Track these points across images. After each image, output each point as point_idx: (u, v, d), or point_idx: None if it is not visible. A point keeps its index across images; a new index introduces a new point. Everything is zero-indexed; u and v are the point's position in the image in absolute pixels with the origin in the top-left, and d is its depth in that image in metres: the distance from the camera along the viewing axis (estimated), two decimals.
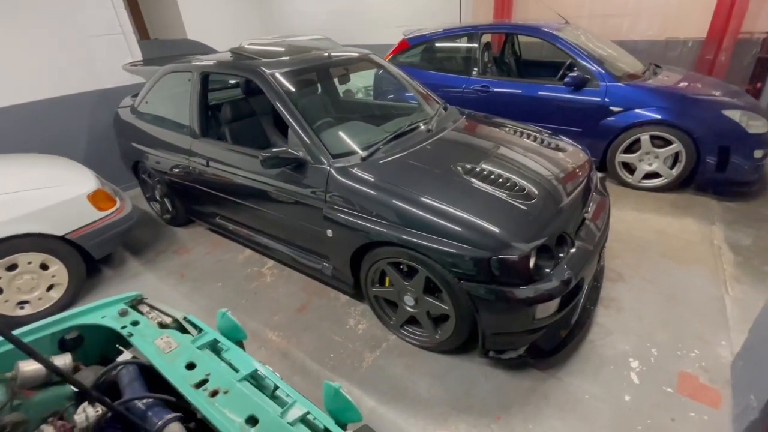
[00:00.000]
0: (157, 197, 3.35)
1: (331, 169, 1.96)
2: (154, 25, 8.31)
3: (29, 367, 1.17)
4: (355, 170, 1.94)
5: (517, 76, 4.68)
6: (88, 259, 2.58)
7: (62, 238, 2.40)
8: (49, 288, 2.44)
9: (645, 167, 3.38)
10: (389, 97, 3.67)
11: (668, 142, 3.21)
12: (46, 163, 2.85)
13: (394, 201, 1.77)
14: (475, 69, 4.05)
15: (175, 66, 2.82)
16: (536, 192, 1.81)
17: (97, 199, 2.57)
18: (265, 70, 2.26)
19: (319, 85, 2.76)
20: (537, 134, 2.45)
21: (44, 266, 2.39)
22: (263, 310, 2.38)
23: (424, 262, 1.71)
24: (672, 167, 3.29)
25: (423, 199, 1.74)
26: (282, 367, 1.98)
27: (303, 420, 1.01)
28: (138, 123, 3.14)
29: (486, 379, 1.83)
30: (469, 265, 1.58)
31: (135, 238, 3.27)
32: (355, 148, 2.10)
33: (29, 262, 2.32)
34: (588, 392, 1.73)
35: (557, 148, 2.30)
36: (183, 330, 1.38)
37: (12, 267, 2.27)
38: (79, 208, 2.47)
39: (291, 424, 0.98)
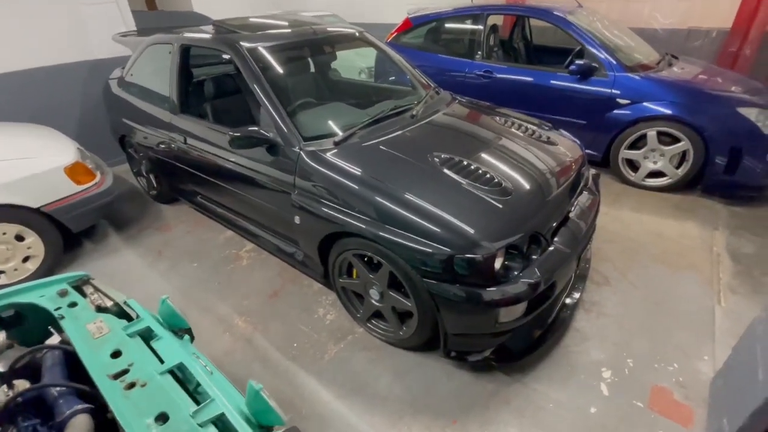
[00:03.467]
0: (144, 172, 3.31)
1: (301, 153, 1.87)
2: None
3: None
4: (326, 155, 1.84)
5: (526, 62, 4.46)
6: (66, 231, 2.57)
7: (37, 210, 2.38)
8: (26, 259, 2.44)
9: (649, 165, 3.20)
10: (380, 78, 3.50)
11: (676, 140, 3.01)
12: (28, 133, 2.81)
13: (361, 189, 1.68)
14: (479, 53, 3.85)
15: (158, 37, 2.72)
16: (514, 188, 1.69)
17: (75, 172, 2.53)
18: (243, 44, 2.15)
19: (304, 63, 2.63)
20: (529, 125, 2.31)
21: (20, 237, 2.38)
22: (235, 294, 2.33)
23: (387, 256, 1.62)
24: (678, 167, 3.11)
25: (389, 190, 1.64)
26: (244, 354, 1.94)
27: (217, 421, 0.95)
28: (123, 96, 3.07)
29: (448, 379, 1.76)
30: (431, 262, 1.49)
31: (120, 212, 3.26)
32: (329, 131, 1.99)
33: (3, 233, 2.31)
34: (553, 400, 1.65)
35: (548, 141, 2.16)
36: (122, 314, 1.33)
37: None
38: (56, 181, 2.44)
39: (201, 425, 0.92)
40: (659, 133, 3.05)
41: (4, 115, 3.32)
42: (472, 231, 1.48)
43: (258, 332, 2.06)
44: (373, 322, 1.95)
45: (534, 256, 1.58)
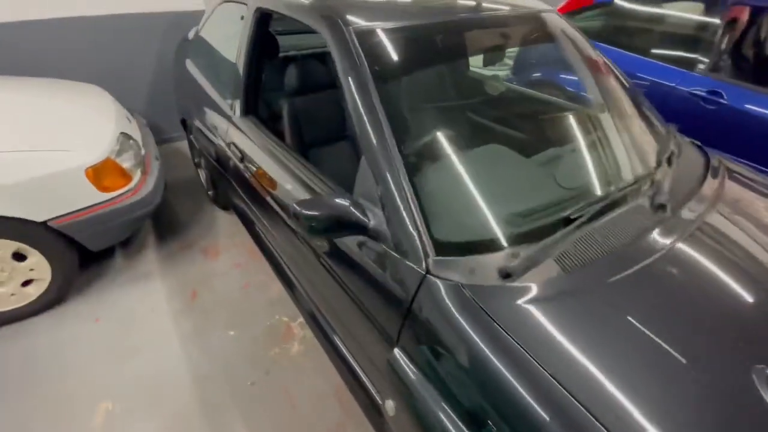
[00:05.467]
0: (203, 165, 2.60)
1: (430, 278, 0.87)
2: None
3: None
4: (485, 303, 0.81)
5: (753, 81, 2.88)
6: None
7: (43, 224, 1.73)
8: (27, 283, 1.84)
9: None
10: (523, 77, 2.22)
11: None
12: (63, 104, 2.15)
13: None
14: (705, 60, 2.43)
15: None
16: None
17: (102, 173, 1.83)
18: (350, 19, 1.16)
19: (452, 66, 1.50)
20: None
21: (20, 256, 1.77)
22: (268, 416, 1.50)
23: None
24: None
25: None
26: None
27: None
28: (188, 66, 2.31)
29: None
30: None
31: (171, 209, 2.61)
32: (488, 232, 0.94)
33: None
34: None
35: None
36: None
37: None
38: (72, 187, 1.75)
39: None
40: None
41: (69, 64, 2.81)
42: None
43: None
44: None
45: None
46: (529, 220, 0.97)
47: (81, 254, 1.95)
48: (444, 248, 0.89)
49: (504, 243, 0.91)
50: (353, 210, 0.96)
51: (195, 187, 2.86)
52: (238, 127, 1.69)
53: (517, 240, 0.92)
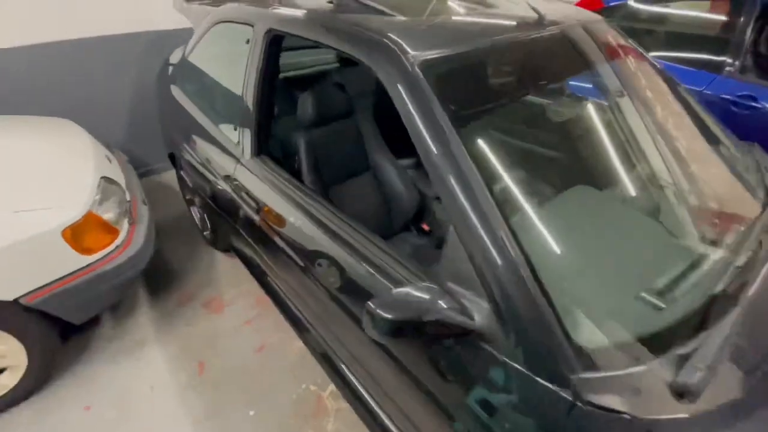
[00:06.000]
0: (197, 204, 2.30)
1: (586, 409, 0.62)
2: None
3: None
4: None
5: None
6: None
7: (15, 303, 1.40)
8: (1, 371, 1.51)
9: None
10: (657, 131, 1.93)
11: None
12: (27, 145, 1.81)
13: None
14: (733, 61, 2.30)
15: (230, 10, 1.56)
16: None
17: (81, 232, 1.51)
18: (410, 46, 0.91)
19: (524, 94, 1.25)
20: None
21: None
22: None
23: None
24: None
25: None
26: None
27: None
28: (175, 94, 2.01)
29: None
30: None
31: (162, 257, 2.29)
32: (647, 331, 0.70)
33: None
34: None
35: None
36: None
37: None
38: (46, 254, 1.44)
39: None
40: None
41: (33, 96, 2.45)
42: None
43: None
44: None
45: None
46: (680, 300, 0.75)
47: (62, 327, 1.63)
48: (589, 357, 0.66)
49: (665, 340, 0.68)
50: (445, 305, 0.71)
51: (187, 227, 2.54)
52: (249, 170, 1.42)
53: (677, 333, 0.69)
